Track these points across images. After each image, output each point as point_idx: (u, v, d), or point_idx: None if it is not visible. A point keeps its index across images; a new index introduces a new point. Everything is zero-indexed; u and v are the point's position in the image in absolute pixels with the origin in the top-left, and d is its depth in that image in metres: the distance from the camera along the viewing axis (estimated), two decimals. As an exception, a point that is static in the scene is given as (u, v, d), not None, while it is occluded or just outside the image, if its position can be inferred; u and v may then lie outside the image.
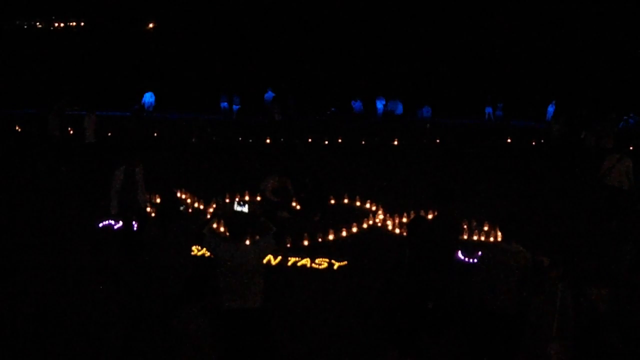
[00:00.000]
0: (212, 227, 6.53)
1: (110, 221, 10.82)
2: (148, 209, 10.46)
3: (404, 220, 11.34)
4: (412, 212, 11.53)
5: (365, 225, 11.22)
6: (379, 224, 11.36)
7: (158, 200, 11.88)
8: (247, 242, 6.39)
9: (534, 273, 5.83)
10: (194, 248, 9.84)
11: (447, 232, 7.65)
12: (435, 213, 11.29)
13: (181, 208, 10.65)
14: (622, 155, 11.68)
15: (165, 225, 6.39)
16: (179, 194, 13.01)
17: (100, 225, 10.92)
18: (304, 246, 10.07)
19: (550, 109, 27.52)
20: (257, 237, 6.93)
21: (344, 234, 10.74)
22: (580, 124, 19.33)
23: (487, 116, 28.29)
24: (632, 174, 11.50)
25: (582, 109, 22.82)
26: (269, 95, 28.39)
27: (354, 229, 10.93)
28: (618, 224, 10.94)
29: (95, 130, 16.64)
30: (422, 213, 11.20)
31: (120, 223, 9.94)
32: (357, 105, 28.31)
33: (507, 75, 32.55)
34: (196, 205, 12.45)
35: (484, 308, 6.01)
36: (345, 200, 12.90)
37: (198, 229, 6.65)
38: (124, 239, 9.41)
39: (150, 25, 51.79)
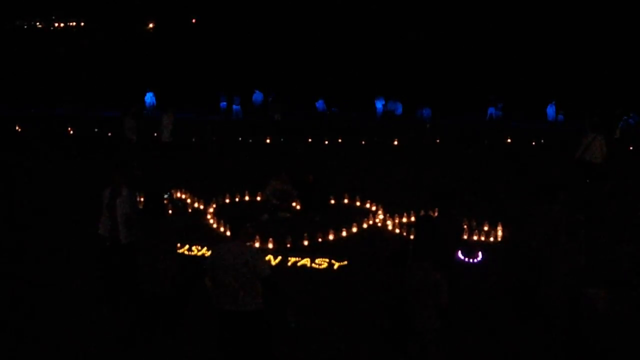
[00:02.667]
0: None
1: None
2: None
3: (404, 220, 11.34)
4: (412, 212, 11.54)
5: (365, 225, 11.21)
6: (379, 224, 11.36)
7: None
8: (247, 244, 6.32)
9: (573, 226, 6.92)
10: (193, 248, 9.87)
11: (449, 232, 7.67)
12: (436, 213, 11.34)
13: (179, 204, 10.06)
14: (596, 135, 13.60)
15: (150, 225, 6.03)
16: (179, 194, 13.02)
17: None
18: (304, 246, 10.07)
19: (550, 109, 27.49)
20: None
21: (344, 234, 10.74)
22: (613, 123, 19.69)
23: (488, 116, 28.26)
24: (605, 151, 13.52)
25: (616, 108, 23.19)
26: (258, 95, 28.48)
27: (354, 229, 10.92)
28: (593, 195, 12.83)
29: (173, 130, 16.41)
30: (422, 213, 11.20)
31: None
32: (319, 104, 28.53)
33: (507, 76, 32.54)
34: (196, 205, 12.45)
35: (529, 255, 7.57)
36: (345, 200, 12.90)
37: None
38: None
39: (150, 25, 51.82)
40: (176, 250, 6.57)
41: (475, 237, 10.53)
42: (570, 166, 14.36)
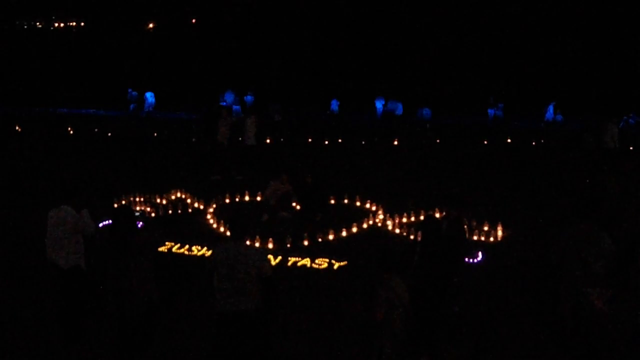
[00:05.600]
0: None
1: (110, 221, 10.80)
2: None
3: (404, 220, 11.34)
4: (412, 212, 11.55)
5: (365, 225, 11.21)
6: (379, 224, 11.36)
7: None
8: (247, 243, 6.31)
9: None
10: (194, 248, 9.87)
11: (457, 233, 7.65)
12: (437, 214, 11.35)
13: (137, 214, 9.31)
14: (610, 124, 16.35)
15: (120, 244, 5.76)
16: (178, 194, 13.01)
17: (101, 225, 10.91)
18: (304, 246, 10.07)
19: (550, 109, 27.46)
20: None
21: (344, 234, 10.73)
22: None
23: (491, 117, 28.19)
24: (617, 138, 16.31)
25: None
26: (229, 96, 28.47)
27: (354, 229, 10.92)
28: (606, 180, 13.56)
29: (256, 133, 16.20)
30: (423, 215, 11.21)
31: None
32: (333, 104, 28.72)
33: (508, 76, 32.53)
34: (196, 205, 12.44)
35: None
36: (345, 200, 12.89)
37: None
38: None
39: (150, 25, 51.82)
40: (151, 267, 6.21)
41: (475, 237, 10.52)
42: (593, 154, 16.43)
